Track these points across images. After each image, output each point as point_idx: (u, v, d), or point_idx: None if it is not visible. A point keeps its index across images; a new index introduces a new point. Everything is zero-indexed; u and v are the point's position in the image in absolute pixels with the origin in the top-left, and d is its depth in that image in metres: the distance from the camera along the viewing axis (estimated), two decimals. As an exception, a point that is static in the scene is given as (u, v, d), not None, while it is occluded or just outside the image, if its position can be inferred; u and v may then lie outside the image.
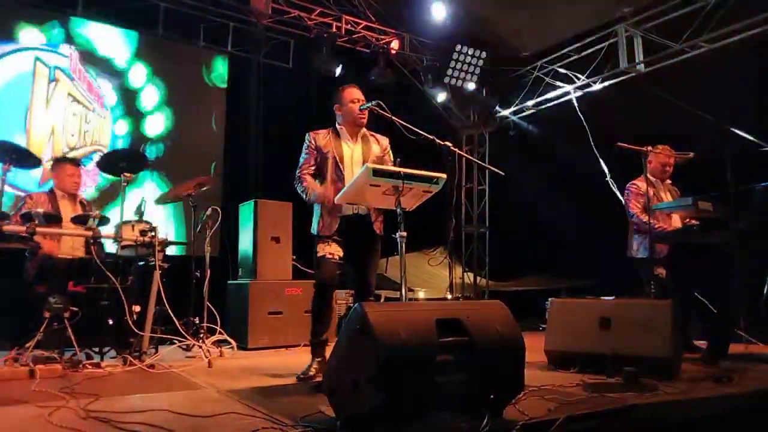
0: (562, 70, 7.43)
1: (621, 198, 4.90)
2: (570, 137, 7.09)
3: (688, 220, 4.33)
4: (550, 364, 3.62)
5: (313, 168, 3.40)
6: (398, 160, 3.07)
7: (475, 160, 3.74)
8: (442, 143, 3.19)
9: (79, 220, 3.79)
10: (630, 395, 2.62)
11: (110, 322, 3.79)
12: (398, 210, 2.93)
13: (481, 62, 7.67)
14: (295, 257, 5.38)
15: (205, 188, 4.51)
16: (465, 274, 8.21)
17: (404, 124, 3.47)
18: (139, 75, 6.46)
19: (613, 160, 6.60)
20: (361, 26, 7.26)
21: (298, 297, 5.02)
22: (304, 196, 3.35)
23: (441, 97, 8.08)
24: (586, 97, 7.21)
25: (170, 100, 6.62)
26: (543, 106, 7.83)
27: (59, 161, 4.42)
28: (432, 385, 2.04)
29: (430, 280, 8.15)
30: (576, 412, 2.28)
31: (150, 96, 6.52)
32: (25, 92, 5.71)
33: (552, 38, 7.33)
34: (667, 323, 3.26)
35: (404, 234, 2.92)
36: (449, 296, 8.18)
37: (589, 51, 7.03)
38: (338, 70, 6.91)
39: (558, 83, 7.48)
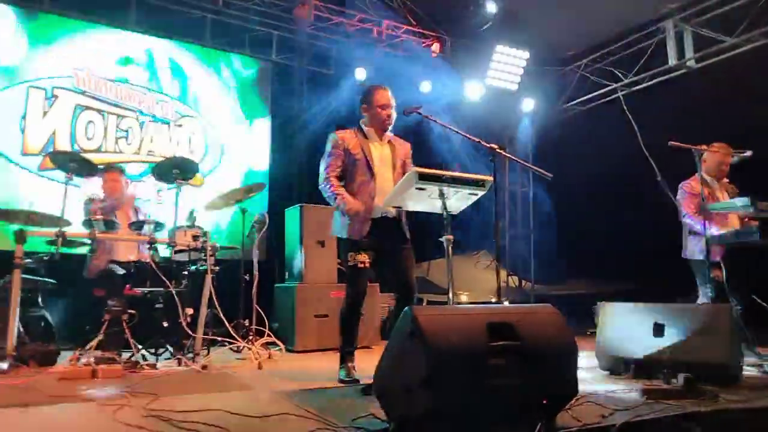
0: (607, 68, 7.27)
1: (673, 198, 4.75)
2: (616, 136, 6.91)
3: (746, 219, 4.16)
4: (601, 370, 3.53)
5: (339, 170, 3.31)
6: (457, 164, 3.05)
7: (522, 162, 3.68)
8: (488, 145, 3.18)
9: (136, 226, 3.95)
10: (689, 402, 2.53)
11: (165, 324, 3.92)
12: (444, 214, 2.94)
13: (523, 62, 7.58)
14: (339, 261, 5.44)
15: (253, 194, 4.62)
16: (509, 277, 8.11)
17: (450, 126, 3.48)
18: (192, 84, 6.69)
19: (664, 159, 6.40)
20: (402, 30, 7.29)
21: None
22: (332, 201, 3.28)
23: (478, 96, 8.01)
24: (634, 95, 7.02)
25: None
26: (588, 105, 7.67)
27: (105, 169, 4.61)
28: (483, 389, 2.03)
29: (473, 284, 8.08)
30: (632, 419, 2.23)
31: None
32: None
33: (596, 36, 7.19)
34: (726, 327, 3.14)
35: (451, 237, 2.92)
36: (493, 299, 8.09)
37: (636, 48, 6.86)
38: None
39: (603, 81, 7.32)
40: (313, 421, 2.22)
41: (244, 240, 4.81)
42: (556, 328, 2.23)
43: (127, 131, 6.16)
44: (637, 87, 6.97)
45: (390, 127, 3.38)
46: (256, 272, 4.71)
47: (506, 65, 7.54)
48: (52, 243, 3.65)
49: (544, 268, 8.23)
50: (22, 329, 3.58)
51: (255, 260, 4.79)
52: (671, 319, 3.30)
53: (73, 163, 3.67)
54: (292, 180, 7.03)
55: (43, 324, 3.99)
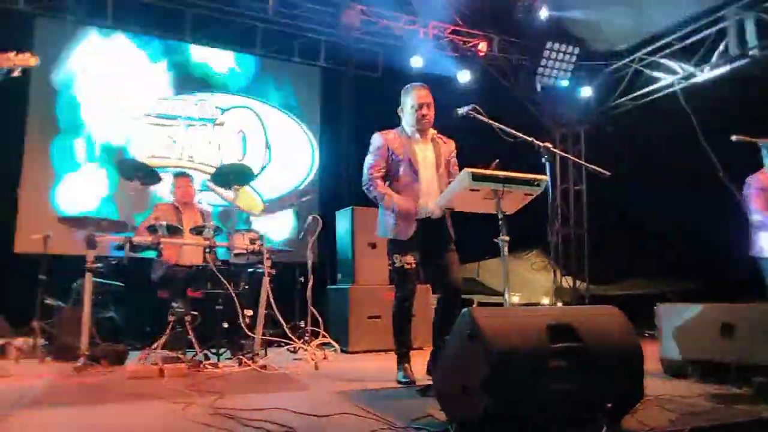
0: (663, 61, 7.01)
1: (736, 194, 4.53)
2: (674, 131, 6.66)
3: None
4: (665, 373, 3.42)
5: (383, 170, 3.30)
6: (497, 161, 3.02)
7: (577, 160, 3.61)
8: (542, 144, 3.13)
9: (197, 231, 4.10)
10: (763, 407, 2.42)
11: (224, 325, 4.05)
12: (499, 214, 2.92)
13: (574, 58, 7.42)
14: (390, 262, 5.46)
15: (306, 198, 4.71)
16: (563, 278, 7.95)
17: (501, 126, 3.43)
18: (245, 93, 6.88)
19: (725, 154, 6.13)
20: (449, 30, 7.27)
21: (394, 302, 5.09)
22: (379, 202, 3.28)
23: (528, 94, 7.89)
24: (692, 88, 6.74)
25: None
26: (643, 100, 7.42)
27: (174, 175, 4.81)
28: (545, 391, 2.01)
29: (524, 285, 7.96)
30: (701, 424, 2.15)
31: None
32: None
33: (651, 28, 6.94)
34: (802, 330, 2.99)
35: (507, 238, 2.90)
36: (546, 301, 7.95)
37: (694, 39, 6.59)
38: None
39: (659, 75, 7.07)
40: (373, 421, 2.25)
41: (298, 243, 4.91)
42: (619, 330, 2.18)
43: (174, 139, 6.40)
44: (696, 79, 6.69)
45: (429, 126, 3.34)
46: (310, 274, 4.81)
47: (557, 61, 7.40)
48: (119, 248, 3.84)
49: (598, 268, 8.02)
50: (94, 330, 3.78)
51: (309, 262, 4.89)
52: (742, 320, 3.16)
53: (139, 172, 3.85)
54: (341, 183, 7.12)
55: (112, 325, 4.20)
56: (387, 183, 3.32)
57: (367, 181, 3.31)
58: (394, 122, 6.74)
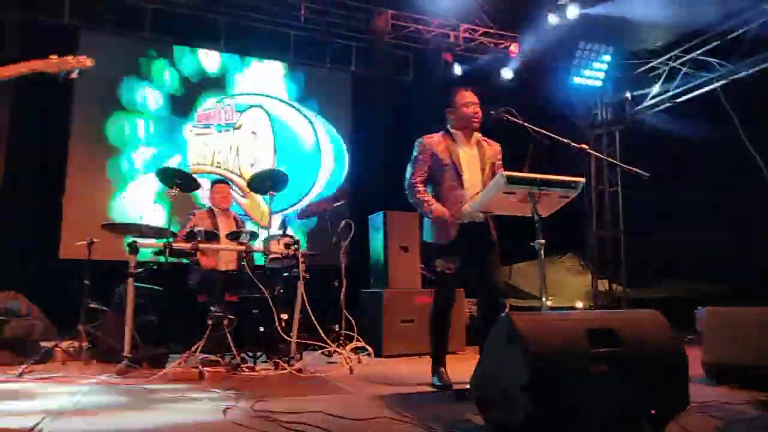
0: (702, 58, 6.83)
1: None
2: (712, 131, 6.48)
3: None
4: (708, 379, 3.32)
5: (425, 175, 3.31)
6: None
7: (616, 162, 3.55)
8: (578, 146, 3.10)
9: (233, 236, 4.18)
10: (815, 416, 2.34)
11: (261, 329, 4.12)
12: (535, 217, 2.89)
13: (607, 57, 7.30)
14: (423, 266, 5.46)
15: (339, 203, 4.75)
16: (598, 281, 7.80)
17: (536, 128, 3.41)
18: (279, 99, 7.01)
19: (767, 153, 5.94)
20: (479, 33, 7.25)
21: (428, 306, 5.06)
22: (419, 209, 3.29)
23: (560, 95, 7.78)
24: (733, 86, 6.55)
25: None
26: (680, 99, 7.24)
27: (213, 182, 4.91)
28: (586, 397, 1.99)
29: (558, 288, 7.85)
30: (750, 432, 2.09)
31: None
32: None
33: (688, 24, 6.77)
34: None
35: (543, 242, 2.86)
36: (580, 304, 7.82)
37: (734, 34, 6.40)
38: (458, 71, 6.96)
39: (698, 72, 6.89)
40: (412, 426, 2.26)
41: (331, 247, 4.96)
42: (661, 334, 2.14)
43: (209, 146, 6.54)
44: (736, 76, 6.49)
45: (477, 126, 3.34)
46: (343, 278, 4.84)
47: (589, 61, 7.29)
48: (159, 253, 3.94)
49: (635, 270, 7.84)
50: (135, 333, 3.88)
51: (342, 266, 4.92)
52: (789, 325, 3.05)
53: (178, 179, 3.95)
54: (372, 187, 7.15)
55: (153, 328, 4.29)
56: (431, 187, 3.33)
57: (407, 187, 3.33)
58: (425, 126, 6.74)
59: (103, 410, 2.67)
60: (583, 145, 3.09)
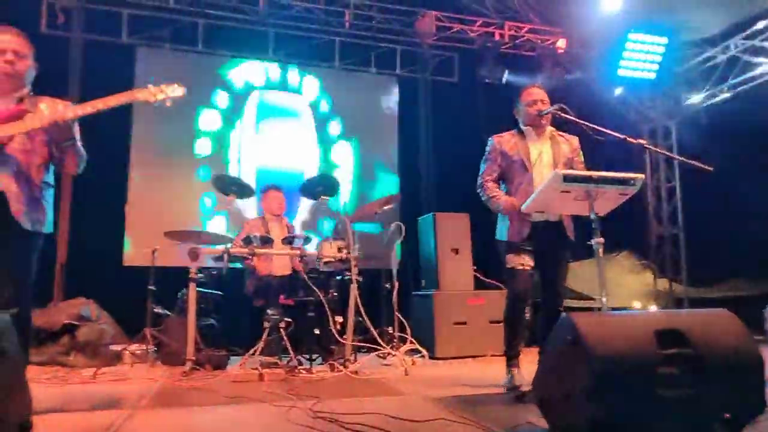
0: (763, 45, 6.50)
1: None
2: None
3: None
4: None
5: (496, 174, 3.30)
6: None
7: (676, 156, 3.43)
8: (636, 141, 3.01)
9: (287, 241, 4.28)
10: None
11: (316, 331, 4.19)
12: (592, 216, 2.83)
13: (660, 48, 7.04)
14: (475, 267, 5.43)
15: (389, 206, 4.78)
16: (657, 279, 7.53)
17: (590, 125, 3.34)
18: (325, 106, 7.14)
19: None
20: (525, 30, 7.15)
21: (481, 307, 5.07)
22: (489, 205, 3.28)
23: (617, 90, 7.58)
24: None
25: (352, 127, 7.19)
26: (739, 88, 6.91)
27: (266, 188, 5.03)
28: (654, 400, 1.93)
29: (613, 288, 7.61)
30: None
31: (334, 125, 7.15)
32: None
33: (748, 9, 6.46)
34: None
35: (601, 240, 2.80)
36: (638, 304, 7.58)
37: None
38: (505, 77, 6.87)
39: (760, 60, 6.56)
40: (472, 427, 2.25)
41: (382, 250, 5.00)
42: (734, 335, 2.05)
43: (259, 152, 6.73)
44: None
45: (546, 123, 3.27)
46: (395, 281, 4.86)
47: (641, 53, 7.05)
48: (218, 259, 4.08)
49: (696, 268, 7.53)
50: (197, 336, 4.03)
51: (394, 269, 4.95)
52: None
53: (233, 186, 4.07)
54: (420, 189, 7.16)
55: (213, 332, 4.45)
56: (504, 186, 3.31)
57: (478, 186, 3.34)
58: (472, 127, 6.73)
59: (172, 410, 2.78)
60: (641, 140, 3.01)
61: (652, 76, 7.21)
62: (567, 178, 2.73)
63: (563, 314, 2.08)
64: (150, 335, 4.27)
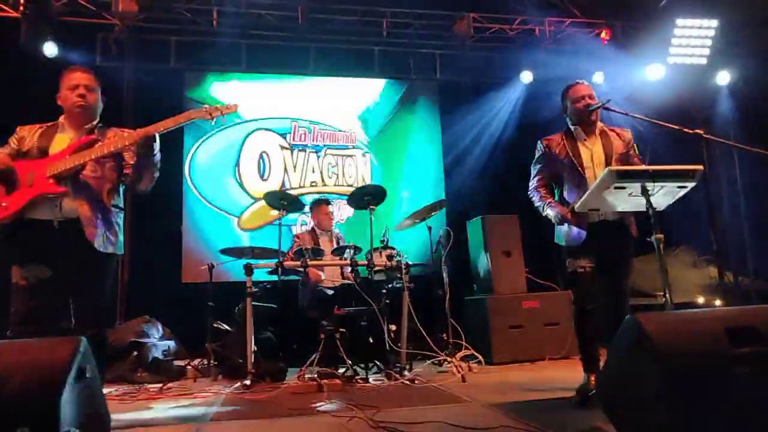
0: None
1: None
2: None
3: None
4: None
5: (546, 177, 3.24)
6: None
7: (740, 146, 3.27)
8: (692, 131, 2.90)
9: (338, 252, 4.33)
10: None
11: (370, 340, 4.21)
12: (650, 211, 2.73)
13: (711, 32, 6.76)
14: (527, 270, 5.33)
15: (436, 212, 4.77)
16: (722, 273, 7.19)
17: (642, 117, 3.25)
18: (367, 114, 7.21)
19: None
20: (567, 24, 7.00)
21: (536, 310, 4.97)
22: (541, 210, 3.21)
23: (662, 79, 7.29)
24: None
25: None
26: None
27: (315, 202, 5.11)
28: (728, 402, 1.84)
29: (673, 284, 7.31)
30: None
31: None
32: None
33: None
34: None
35: (660, 236, 2.70)
36: (701, 300, 7.25)
37: None
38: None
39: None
40: (537, 434, 2.21)
41: (431, 256, 4.98)
42: (814, 331, 1.92)
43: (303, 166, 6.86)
44: None
45: (596, 119, 3.18)
46: (447, 287, 4.83)
47: (691, 38, 6.78)
48: (272, 273, 4.16)
49: (763, 261, 7.14)
50: (255, 350, 4.12)
51: (444, 275, 4.92)
52: None
53: (284, 201, 4.16)
54: (466, 193, 7.10)
55: (270, 344, 4.53)
56: (556, 189, 3.24)
57: (530, 191, 3.28)
58: (516, 126, 6.61)
59: (239, 422, 2.85)
60: (698, 130, 2.89)
61: (704, 61, 6.93)
62: (620, 175, 2.66)
63: (628, 315, 2.01)
64: (211, 350, 4.40)
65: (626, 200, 2.79)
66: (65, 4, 5.96)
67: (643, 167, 2.67)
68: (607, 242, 3.06)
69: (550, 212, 3.12)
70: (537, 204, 3.22)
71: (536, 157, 3.30)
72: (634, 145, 3.23)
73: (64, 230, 2.54)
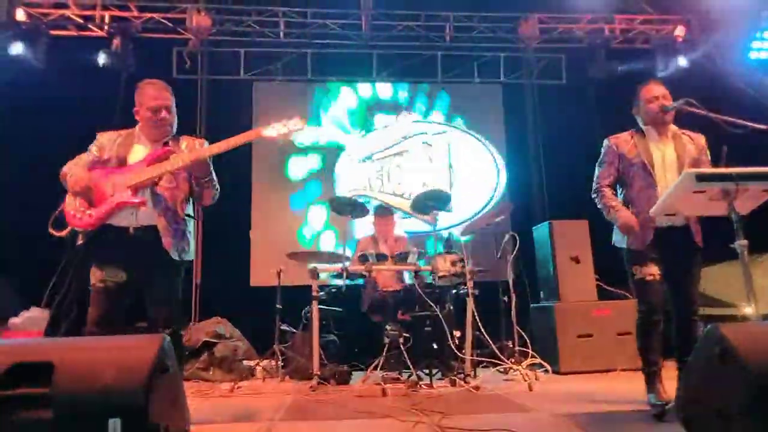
0: None
1: None
2: None
3: None
4: None
5: (612, 178, 3.12)
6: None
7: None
8: (774, 130, 2.72)
9: (401, 257, 4.35)
10: None
11: (434, 346, 4.19)
12: (733, 216, 2.58)
13: (800, 24, 6.31)
14: (597, 276, 5.14)
15: (500, 218, 4.70)
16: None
17: (722, 117, 3.07)
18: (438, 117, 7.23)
19: None
20: (638, 21, 6.74)
21: (608, 318, 4.78)
22: (605, 213, 3.10)
23: (744, 76, 6.86)
24: None
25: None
26: None
27: (376, 211, 5.17)
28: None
29: (758, 293, 6.84)
30: None
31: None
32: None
33: None
34: None
35: (745, 242, 2.55)
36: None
37: None
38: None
39: None
40: (610, 448, 2.13)
41: (496, 262, 4.91)
42: None
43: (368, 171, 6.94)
44: None
45: (670, 120, 3.05)
46: (512, 293, 4.74)
47: (776, 31, 6.36)
48: (336, 276, 4.24)
49: None
50: (321, 352, 4.20)
51: (510, 281, 4.83)
52: None
53: (349, 207, 4.23)
54: (531, 198, 6.95)
55: (335, 347, 4.61)
56: (622, 190, 3.14)
57: (594, 191, 3.19)
58: (583, 129, 6.43)
59: (307, 423, 2.92)
60: (783, 129, 2.70)
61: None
62: (700, 177, 2.52)
63: (709, 326, 1.90)
64: (278, 351, 4.53)
65: (704, 205, 2.64)
66: (144, 21, 6.35)
67: (726, 169, 2.51)
68: (675, 249, 2.93)
69: (614, 218, 3.01)
70: (600, 205, 3.13)
71: (602, 155, 3.19)
72: (707, 151, 3.09)
73: (140, 237, 2.68)
